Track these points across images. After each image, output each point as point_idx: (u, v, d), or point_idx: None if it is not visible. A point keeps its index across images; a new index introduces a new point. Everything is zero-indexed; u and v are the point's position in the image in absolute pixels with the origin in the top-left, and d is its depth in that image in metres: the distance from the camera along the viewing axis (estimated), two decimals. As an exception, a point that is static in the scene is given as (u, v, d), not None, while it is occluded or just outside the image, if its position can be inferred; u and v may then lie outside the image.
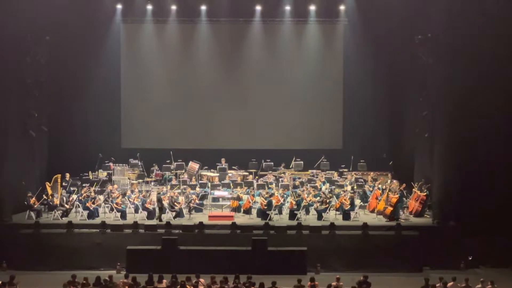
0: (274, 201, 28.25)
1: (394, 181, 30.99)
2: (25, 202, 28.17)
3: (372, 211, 29.36)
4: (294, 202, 28.25)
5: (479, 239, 26.41)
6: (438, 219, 27.49)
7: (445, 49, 27.90)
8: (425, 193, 28.73)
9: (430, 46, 29.58)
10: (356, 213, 28.55)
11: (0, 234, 26.59)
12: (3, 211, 27.43)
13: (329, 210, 28.31)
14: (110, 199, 28.68)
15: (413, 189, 29.32)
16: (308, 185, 30.47)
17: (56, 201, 28.62)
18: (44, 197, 28.75)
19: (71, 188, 29.90)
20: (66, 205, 28.40)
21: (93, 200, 28.54)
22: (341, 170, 32.86)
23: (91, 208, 28.09)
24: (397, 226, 26.70)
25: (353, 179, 31.58)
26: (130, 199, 28.85)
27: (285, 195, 29.51)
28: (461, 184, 27.01)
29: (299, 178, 31.95)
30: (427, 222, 28.06)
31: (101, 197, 29.19)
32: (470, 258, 26.49)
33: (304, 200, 28.46)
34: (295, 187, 30.71)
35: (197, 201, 28.94)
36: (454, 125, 27.35)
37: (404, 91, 33.21)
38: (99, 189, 29.89)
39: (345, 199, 28.41)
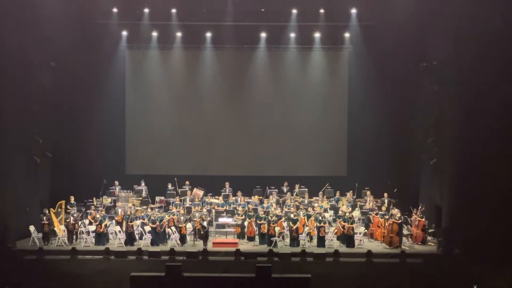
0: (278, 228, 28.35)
1: (382, 204, 31.00)
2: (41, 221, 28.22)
3: (376, 239, 29.27)
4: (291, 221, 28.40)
5: (484, 267, 26.24)
6: (443, 246, 27.36)
7: (450, 76, 27.95)
8: (423, 219, 28.67)
9: (435, 73, 29.65)
10: (361, 240, 28.45)
11: (4, 260, 26.46)
12: (7, 237, 27.37)
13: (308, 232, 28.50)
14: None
15: (413, 216, 29.18)
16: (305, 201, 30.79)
17: (60, 227, 28.58)
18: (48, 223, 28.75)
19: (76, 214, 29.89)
20: (70, 232, 28.39)
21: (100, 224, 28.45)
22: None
23: (101, 231, 28.02)
24: (402, 254, 26.58)
25: (344, 207, 31.30)
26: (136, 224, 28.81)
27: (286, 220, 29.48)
28: (467, 212, 26.86)
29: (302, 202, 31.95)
30: (432, 249, 27.95)
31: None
32: (475, 287, 26.30)
33: (299, 217, 28.62)
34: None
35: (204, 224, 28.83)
36: (460, 152, 27.29)
37: (409, 118, 33.19)
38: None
39: (344, 224, 28.36)
